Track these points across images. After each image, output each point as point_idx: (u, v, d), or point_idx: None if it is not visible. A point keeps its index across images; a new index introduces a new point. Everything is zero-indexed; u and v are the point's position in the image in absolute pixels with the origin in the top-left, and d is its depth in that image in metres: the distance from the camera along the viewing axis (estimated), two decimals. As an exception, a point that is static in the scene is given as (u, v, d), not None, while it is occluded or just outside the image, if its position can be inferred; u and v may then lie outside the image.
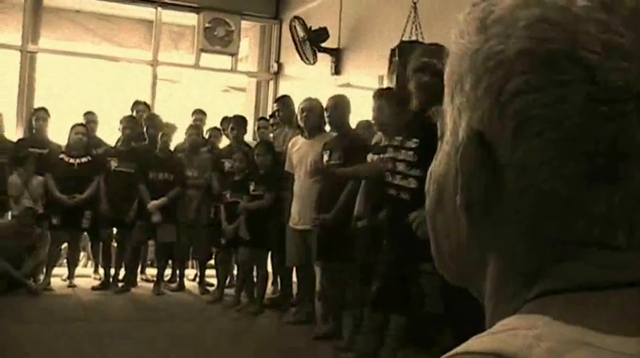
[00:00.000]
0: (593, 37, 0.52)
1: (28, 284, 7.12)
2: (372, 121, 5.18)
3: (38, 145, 7.76)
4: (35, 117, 7.96)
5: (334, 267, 5.72)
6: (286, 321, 6.56)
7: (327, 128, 6.26)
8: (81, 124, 7.82)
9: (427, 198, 0.62)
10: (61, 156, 7.64)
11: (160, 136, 7.62)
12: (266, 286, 7.00)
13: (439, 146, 0.62)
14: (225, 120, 8.26)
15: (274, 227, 6.81)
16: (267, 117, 8.39)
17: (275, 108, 7.60)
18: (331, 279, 5.91)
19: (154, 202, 7.44)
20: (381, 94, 5.16)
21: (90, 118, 8.11)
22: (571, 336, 0.48)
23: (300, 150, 6.28)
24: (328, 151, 5.82)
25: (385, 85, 6.41)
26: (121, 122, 7.91)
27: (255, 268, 7.01)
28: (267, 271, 7.11)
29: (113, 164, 7.78)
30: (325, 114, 5.93)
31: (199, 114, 8.46)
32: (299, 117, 6.33)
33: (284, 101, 7.42)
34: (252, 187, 6.86)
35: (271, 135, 7.59)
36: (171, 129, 7.92)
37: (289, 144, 6.52)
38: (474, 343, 0.51)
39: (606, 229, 0.53)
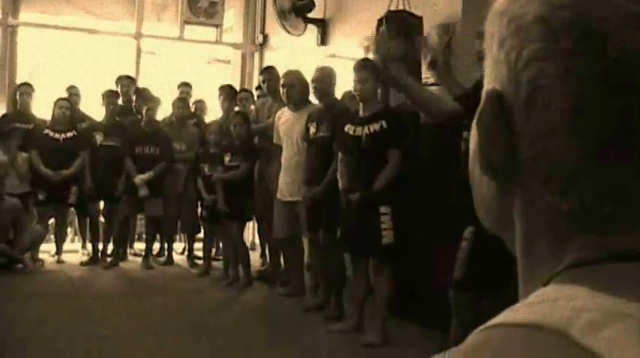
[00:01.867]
0: (608, 7, 0.51)
1: (25, 262, 7.09)
2: (355, 93, 5.14)
3: (23, 120, 7.68)
4: (19, 93, 7.86)
5: (323, 238, 5.71)
6: (277, 294, 6.57)
7: (313, 99, 6.25)
8: (65, 99, 7.75)
9: (470, 153, 0.62)
10: (46, 131, 7.57)
11: (145, 110, 7.57)
12: (249, 258, 6.99)
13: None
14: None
15: (261, 199, 6.81)
16: (249, 89, 8.34)
17: (261, 79, 7.55)
18: (320, 251, 5.92)
19: (141, 176, 7.41)
20: (363, 66, 5.12)
21: (73, 92, 8.03)
22: (611, 308, 0.47)
23: (286, 123, 6.27)
24: (314, 122, 5.80)
25: (371, 55, 6.38)
26: (102, 97, 7.87)
27: (236, 241, 6.99)
28: (245, 244, 7.10)
29: (99, 138, 7.74)
30: (311, 85, 5.90)
31: (185, 87, 8.40)
32: (281, 92, 6.30)
33: (270, 72, 7.37)
34: (227, 158, 6.84)
35: (252, 107, 7.54)
36: (156, 102, 7.87)
37: (276, 117, 6.49)
38: (511, 314, 0.50)
39: (618, 202, 0.52)
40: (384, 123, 5.03)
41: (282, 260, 7.06)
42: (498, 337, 0.49)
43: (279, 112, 6.49)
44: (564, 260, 0.53)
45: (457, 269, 4.04)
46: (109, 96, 7.87)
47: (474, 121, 0.59)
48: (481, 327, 0.51)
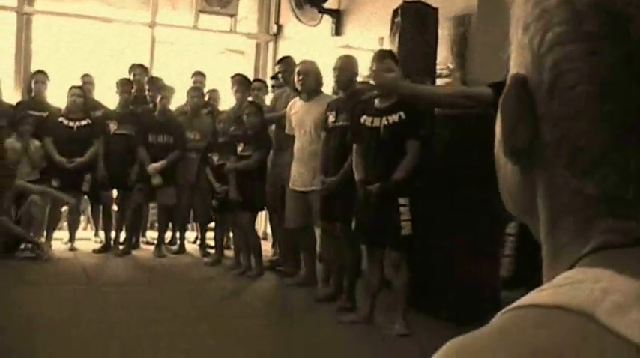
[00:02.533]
0: None
1: (30, 240, 7.13)
2: (372, 83, 5.11)
3: (37, 108, 7.72)
4: (34, 80, 7.90)
5: (340, 228, 5.72)
6: (287, 284, 6.58)
7: (325, 90, 6.25)
8: (78, 86, 7.77)
9: (495, 138, 0.62)
10: (60, 119, 7.60)
11: (158, 99, 7.58)
12: (260, 248, 7.01)
13: None
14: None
15: (273, 189, 6.81)
16: (262, 79, 8.34)
17: (277, 69, 7.55)
18: (334, 241, 5.93)
19: (154, 165, 7.43)
20: (385, 56, 5.10)
21: (87, 80, 8.05)
22: (636, 291, 0.47)
23: (298, 113, 6.27)
24: (334, 112, 5.79)
25: (386, 46, 6.36)
26: (117, 85, 7.88)
27: (247, 230, 6.99)
28: (257, 234, 7.09)
29: (112, 127, 7.76)
30: (333, 74, 5.88)
31: (199, 76, 8.40)
32: (295, 80, 6.30)
33: (287, 62, 7.38)
34: (240, 148, 6.84)
35: (267, 97, 7.54)
36: (169, 91, 7.88)
37: (287, 107, 6.50)
38: (537, 296, 0.50)
39: None
40: (402, 114, 5.02)
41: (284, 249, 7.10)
42: (524, 318, 0.49)
43: (290, 102, 6.49)
44: (589, 244, 0.53)
45: (505, 267, 3.97)
46: (123, 85, 7.89)
47: (499, 107, 0.59)
48: (506, 308, 0.51)
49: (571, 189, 0.54)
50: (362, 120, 5.19)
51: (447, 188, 5.37)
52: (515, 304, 0.50)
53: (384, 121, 5.05)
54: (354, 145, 5.31)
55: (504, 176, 0.61)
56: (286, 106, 6.74)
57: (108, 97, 8.19)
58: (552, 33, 0.53)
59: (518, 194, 0.60)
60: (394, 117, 5.03)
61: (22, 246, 7.15)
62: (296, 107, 6.35)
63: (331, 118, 5.79)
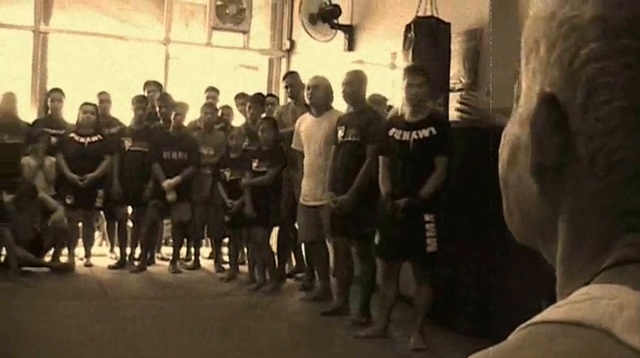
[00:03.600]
0: None
1: (53, 265, 7.21)
2: (408, 97, 5.10)
3: (53, 126, 7.78)
4: (50, 98, 7.97)
5: (357, 244, 5.73)
6: (302, 298, 6.58)
7: (335, 105, 6.26)
8: (90, 103, 7.82)
9: (500, 159, 0.62)
10: (71, 135, 7.66)
11: (173, 115, 7.63)
12: (275, 263, 7.03)
13: (514, 108, 0.62)
14: (239, 96, 8.24)
15: (285, 204, 6.83)
16: (276, 94, 8.38)
17: (284, 84, 7.59)
18: (344, 255, 5.93)
19: (169, 181, 7.47)
20: (417, 69, 5.12)
21: (103, 98, 8.10)
22: None
23: (308, 128, 6.28)
24: (343, 127, 5.79)
25: (399, 61, 6.39)
26: (132, 102, 7.93)
27: (262, 246, 7.00)
28: (271, 249, 7.10)
29: (127, 144, 7.80)
30: (344, 89, 5.89)
31: (212, 92, 8.46)
32: (305, 95, 6.32)
33: (293, 76, 7.43)
34: (254, 164, 6.87)
35: (275, 112, 7.58)
36: (184, 108, 7.93)
37: (297, 123, 6.51)
38: (554, 312, 0.50)
39: None
40: (432, 129, 5.02)
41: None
42: (542, 334, 0.49)
43: (300, 118, 6.51)
44: (608, 259, 0.53)
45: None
46: (138, 102, 7.94)
47: (514, 127, 0.60)
48: (524, 324, 0.51)
49: (600, 205, 0.54)
50: (391, 133, 5.19)
51: (466, 201, 5.36)
52: (532, 320, 0.51)
53: (414, 135, 5.05)
54: (381, 158, 5.29)
55: (517, 195, 0.61)
56: (292, 121, 6.76)
57: (123, 114, 8.24)
58: (586, 49, 0.53)
59: (533, 214, 0.60)
60: (424, 132, 5.03)
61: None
62: (306, 122, 6.37)
63: (340, 133, 5.80)
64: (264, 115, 7.33)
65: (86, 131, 7.67)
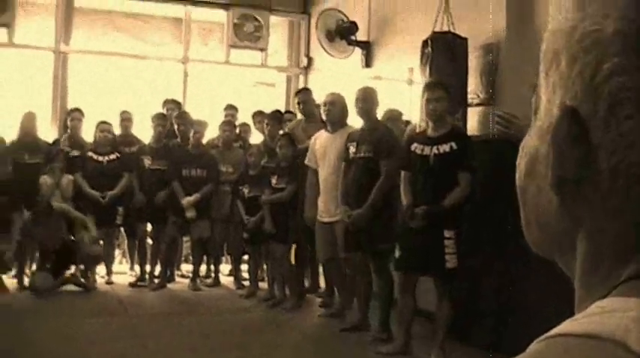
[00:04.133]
0: None
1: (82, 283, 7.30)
2: (428, 112, 5.10)
3: (73, 145, 7.85)
4: (70, 118, 8.05)
5: (364, 258, 5.73)
6: (320, 315, 6.57)
7: (350, 122, 6.27)
8: (105, 122, 7.89)
9: (517, 171, 0.63)
10: (90, 154, 7.73)
11: (192, 133, 7.68)
12: (294, 279, 7.03)
13: (532, 121, 0.62)
14: (257, 114, 8.27)
15: (300, 221, 6.82)
16: (294, 111, 8.42)
17: (296, 100, 7.62)
18: (362, 270, 5.92)
19: (188, 198, 7.50)
20: (438, 84, 5.14)
21: (125, 116, 8.16)
22: None
23: (323, 144, 6.29)
24: (354, 143, 5.79)
25: (416, 77, 6.40)
26: (152, 120, 7.99)
27: (282, 262, 7.01)
28: (291, 265, 7.08)
29: (147, 162, 7.85)
30: (356, 105, 5.90)
31: (231, 110, 8.50)
32: (322, 111, 6.34)
33: (305, 93, 7.48)
34: (273, 180, 6.89)
35: (286, 128, 7.60)
36: (202, 125, 7.97)
37: (312, 140, 6.52)
38: (570, 325, 0.51)
39: None
40: (453, 144, 5.02)
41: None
42: (558, 346, 0.50)
43: (315, 135, 6.52)
44: (625, 273, 0.54)
45: None
46: (158, 119, 8.00)
47: (533, 139, 0.60)
48: (541, 337, 0.52)
49: (619, 222, 0.54)
50: (412, 147, 5.20)
51: (487, 215, 5.34)
52: (549, 333, 0.52)
53: (435, 150, 5.05)
54: (402, 173, 5.30)
55: (536, 207, 0.61)
56: (305, 137, 6.77)
57: (141, 133, 8.30)
58: (609, 63, 0.54)
59: (552, 226, 0.60)
60: (445, 147, 5.03)
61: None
62: (321, 139, 6.38)
63: (352, 149, 5.79)
64: (282, 132, 7.35)
65: (104, 149, 7.74)
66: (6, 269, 7.42)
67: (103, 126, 7.79)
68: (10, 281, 7.40)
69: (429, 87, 5.14)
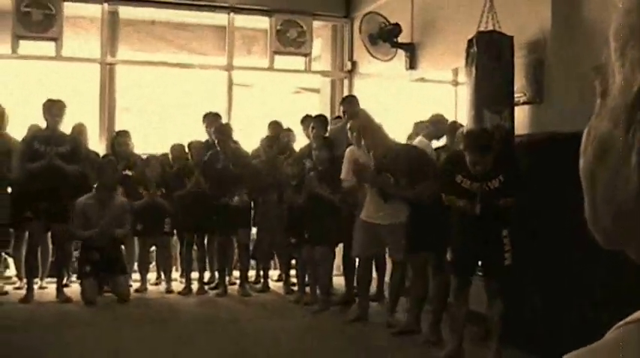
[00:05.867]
0: None
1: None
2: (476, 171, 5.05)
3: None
4: (117, 143, 8.18)
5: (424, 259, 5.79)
6: (346, 320, 6.53)
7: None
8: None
9: (583, 156, 0.59)
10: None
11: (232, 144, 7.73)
12: (327, 283, 7.12)
13: (598, 103, 0.59)
14: (305, 118, 8.22)
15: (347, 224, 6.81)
16: (340, 116, 8.39)
17: (342, 109, 7.63)
18: (419, 273, 5.93)
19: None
20: (487, 145, 5.04)
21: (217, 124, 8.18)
22: None
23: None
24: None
25: (461, 77, 6.35)
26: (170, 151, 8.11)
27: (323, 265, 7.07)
28: (327, 269, 7.12)
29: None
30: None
31: (275, 126, 8.41)
32: (350, 136, 6.47)
33: (350, 100, 7.48)
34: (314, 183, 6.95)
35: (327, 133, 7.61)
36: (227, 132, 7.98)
37: (347, 153, 6.53)
38: None
39: None
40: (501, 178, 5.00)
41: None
42: (638, 333, 0.49)
43: (348, 149, 6.58)
44: None
45: None
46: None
47: (603, 122, 0.57)
48: (620, 323, 0.50)
49: None
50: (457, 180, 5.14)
51: (535, 217, 5.27)
52: (628, 319, 0.50)
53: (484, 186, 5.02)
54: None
55: (611, 194, 0.57)
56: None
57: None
58: None
59: (631, 215, 0.55)
60: (495, 183, 5.00)
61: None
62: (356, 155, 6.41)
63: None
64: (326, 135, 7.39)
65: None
66: None
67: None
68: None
69: (472, 149, 5.00)
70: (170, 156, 8.12)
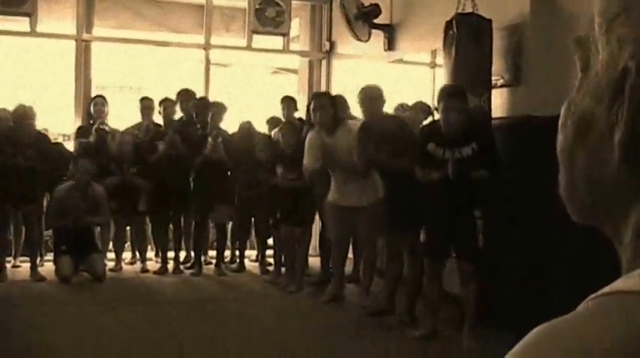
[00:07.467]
0: None
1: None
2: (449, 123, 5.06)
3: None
4: (93, 103, 8.10)
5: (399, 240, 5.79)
6: (322, 300, 6.54)
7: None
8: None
9: (562, 131, 0.59)
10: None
11: (209, 117, 7.66)
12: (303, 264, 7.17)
13: (579, 78, 0.58)
14: (284, 99, 8.13)
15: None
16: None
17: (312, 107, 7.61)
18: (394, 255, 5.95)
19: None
20: (462, 94, 5.12)
21: (145, 104, 8.15)
22: None
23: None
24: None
25: (439, 59, 6.34)
26: (160, 104, 8.02)
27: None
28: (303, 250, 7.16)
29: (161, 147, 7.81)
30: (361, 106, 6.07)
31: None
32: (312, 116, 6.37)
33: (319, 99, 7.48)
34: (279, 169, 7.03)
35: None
36: (220, 108, 7.87)
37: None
38: (625, 282, 0.50)
39: None
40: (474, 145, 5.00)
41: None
42: (612, 304, 0.49)
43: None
44: None
45: None
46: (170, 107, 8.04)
47: (585, 99, 0.57)
48: (593, 295, 0.50)
49: None
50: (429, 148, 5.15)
51: (515, 200, 5.30)
52: (602, 291, 0.50)
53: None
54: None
55: (589, 170, 0.57)
56: None
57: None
58: None
59: (608, 190, 0.56)
60: (467, 150, 5.00)
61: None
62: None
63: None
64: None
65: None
66: None
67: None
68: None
69: (447, 94, 5.08)
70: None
